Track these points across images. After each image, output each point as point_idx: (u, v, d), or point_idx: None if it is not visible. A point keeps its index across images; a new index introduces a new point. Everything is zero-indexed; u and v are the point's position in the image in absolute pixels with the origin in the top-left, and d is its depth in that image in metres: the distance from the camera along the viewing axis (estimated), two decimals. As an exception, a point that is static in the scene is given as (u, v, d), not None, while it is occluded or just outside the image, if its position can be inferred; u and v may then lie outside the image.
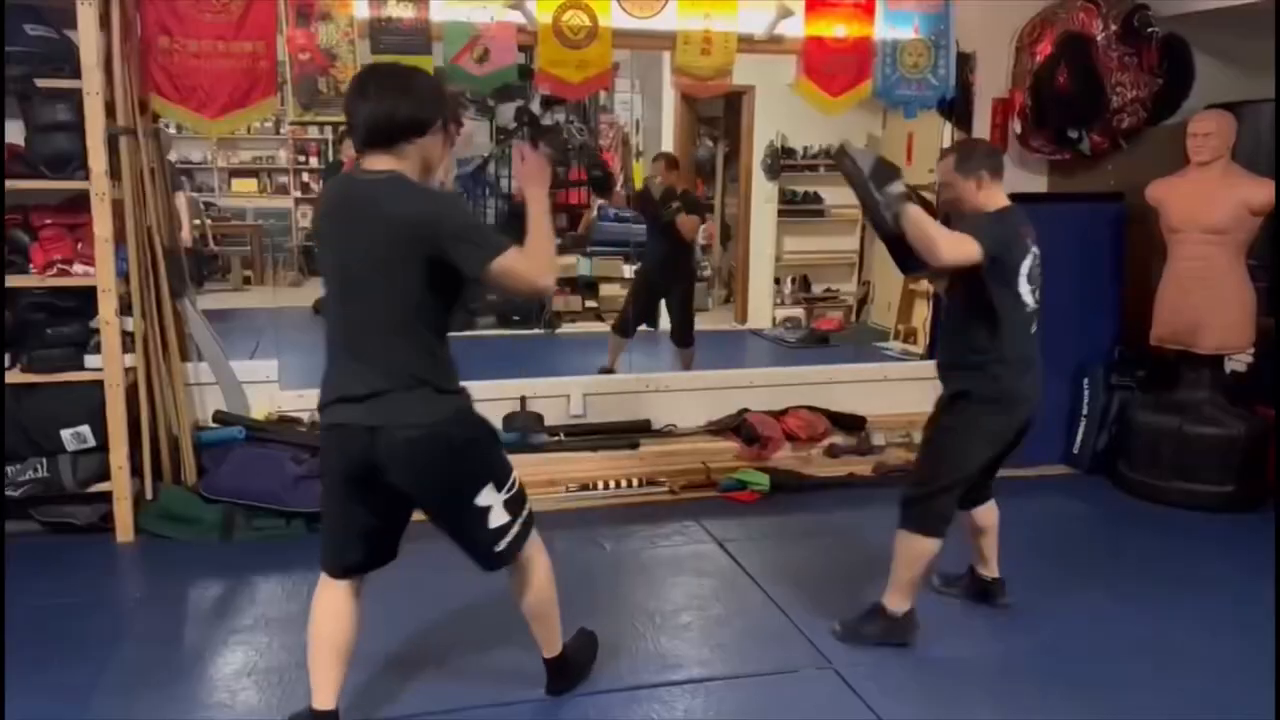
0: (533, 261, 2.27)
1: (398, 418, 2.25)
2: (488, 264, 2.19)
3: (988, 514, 3.26)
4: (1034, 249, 3.00)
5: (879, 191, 2.84)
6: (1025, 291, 2.99)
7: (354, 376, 2.29)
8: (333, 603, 2.44)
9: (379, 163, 2.27)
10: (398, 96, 2.26)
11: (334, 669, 2.44)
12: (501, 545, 2.43)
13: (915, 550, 2.98)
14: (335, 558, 2.44)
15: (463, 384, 2.40)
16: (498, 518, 2.40)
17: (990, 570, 3.34)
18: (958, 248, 2.81)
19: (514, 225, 2.73)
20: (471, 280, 2.25)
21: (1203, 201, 4.25)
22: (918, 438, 4.82)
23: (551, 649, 2.71)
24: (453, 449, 2.32)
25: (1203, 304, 4.28)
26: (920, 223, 2.79)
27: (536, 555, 2.57)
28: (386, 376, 2.27)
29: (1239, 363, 4.62)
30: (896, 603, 3.04)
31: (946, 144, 6.10)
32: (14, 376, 3.72)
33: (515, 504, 2.46)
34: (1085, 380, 4.79)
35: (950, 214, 3.08)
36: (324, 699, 2.44)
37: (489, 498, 2.38)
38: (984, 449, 3.01)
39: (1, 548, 3.50)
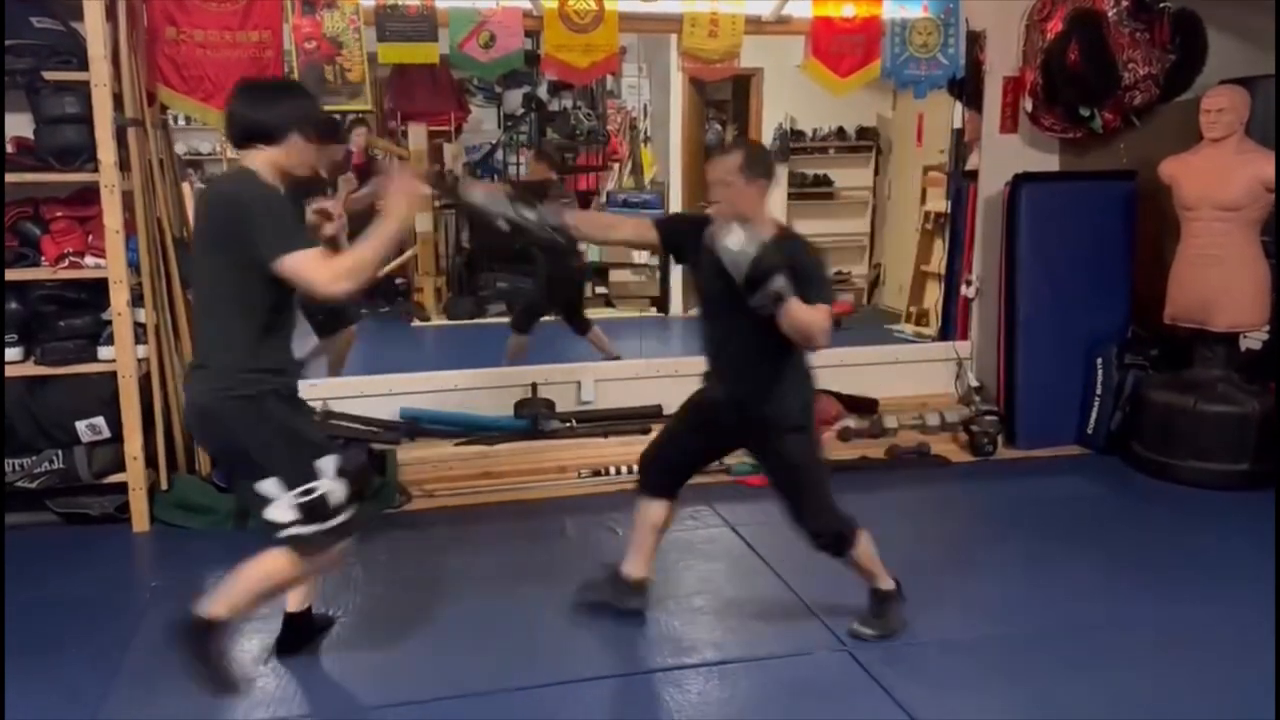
0: (329, 268, 2.40)
1: (191, 387, 2.59)
2: (276, 259, 2.36)
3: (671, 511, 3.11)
4: None
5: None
6: None
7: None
8: None
9: (240, 159, 2.57)
10: (250, 106, 2.55)
11: None
12: (281, 535, 2.53)
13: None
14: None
15: (275, 369, 2.54)
16: (277, 513, 2.50)
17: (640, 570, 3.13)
18: (826, 325, 2.66)
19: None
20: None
21: (1216, 178, 4.21)
22: (930, 420, 4.86)
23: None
24: (218, 421, 2.52)
25: (1216, 282, 4.25)
26: (804, 314, 2.59)
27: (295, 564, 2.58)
28: (197, 352, 2.70)
29: (1253, 340, 4.59)
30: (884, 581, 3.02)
31: (957, 123, 6.09)
32: (27, 369, 3.74)
33: (309, 511, 2.51)
34: (1098, 359, 4.76)
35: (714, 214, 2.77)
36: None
37: (271, 489, 2.50)
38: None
39: (1, 545, 3.53)
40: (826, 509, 2.89)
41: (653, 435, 4.58)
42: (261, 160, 2.52)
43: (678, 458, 3.07)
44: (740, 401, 2.85)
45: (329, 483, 2.54)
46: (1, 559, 3.33)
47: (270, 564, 2.58)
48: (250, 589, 2.60)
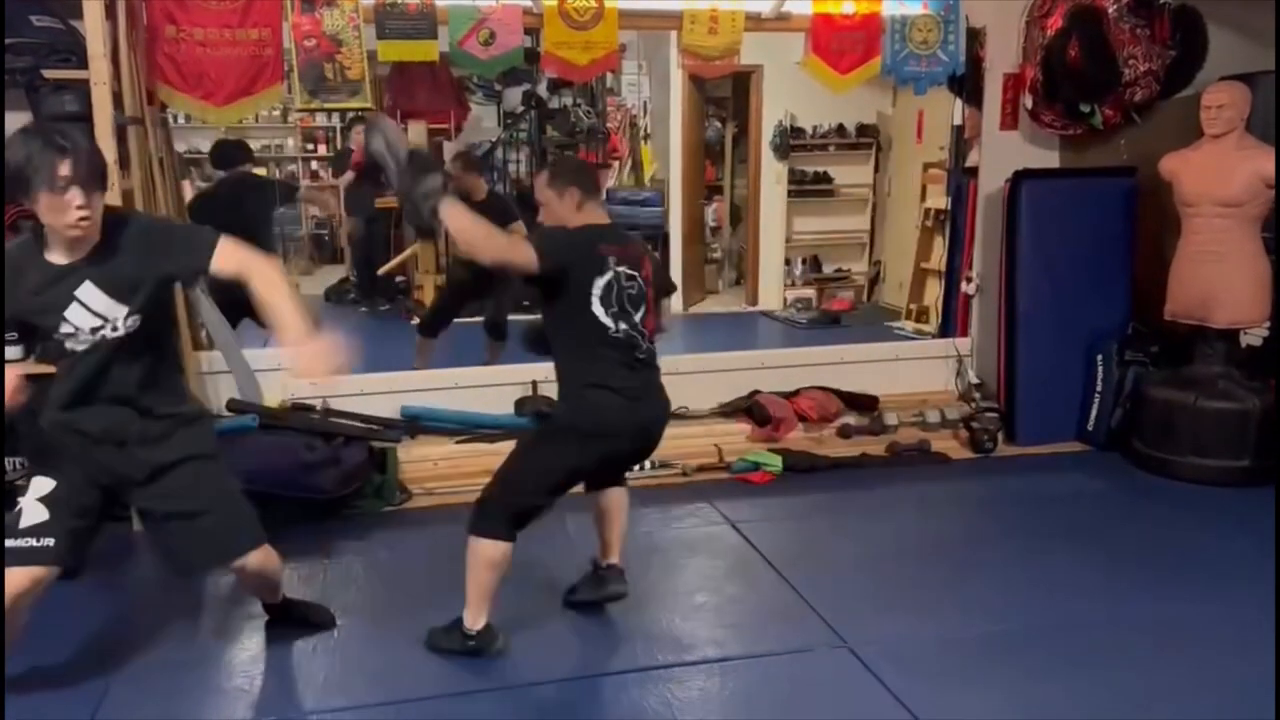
0: None
1: None
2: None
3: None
4: (618, 269, 2.77)
5: (415, 181, 2.64)
6: (600, 313, 2.74)
7: None
8: None
9: None
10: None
11: None
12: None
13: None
14: None
15: None
16: None
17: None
18: (506, 250, 2.67)
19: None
20: None
21: (1217, 174, 4.20)
22: (931, 417, 4.86)
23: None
24: None
25: (1217, 278, 4.24)
26: (460, 217, 2.64)
27: None
28: None
29: (1254, 337, 4.59)
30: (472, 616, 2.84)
31: (957, 120, 6.08)
32: (27, 367, 3.73)
33: None
34: (1098, 356, 4.76)
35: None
36: None
37: None
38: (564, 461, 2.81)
39: (1, 543, 3.52)
40: (503, 495, 2.79)
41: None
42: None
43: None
44: None
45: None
46: (1, 557, 3.32)
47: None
48: None
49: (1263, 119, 4.31)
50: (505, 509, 2.76)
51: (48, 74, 3.67)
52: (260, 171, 10.42)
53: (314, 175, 10.44)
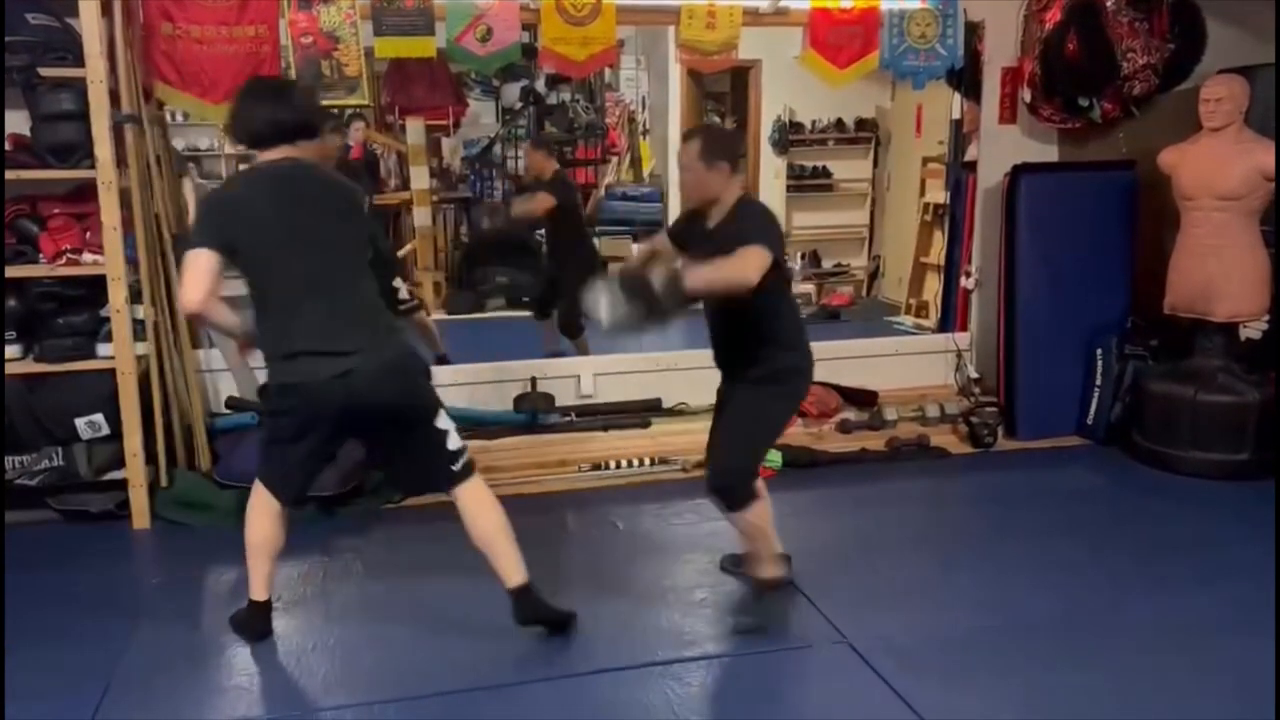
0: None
1: (376, 352, 2.74)
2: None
3: None
4: None
5: (665, 301, 2.66)
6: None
7: None
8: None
9: (275, 155, 2.72)
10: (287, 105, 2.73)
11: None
12: (459, 465, 2.87)
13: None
14: None
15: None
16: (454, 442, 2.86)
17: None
18: (748, 270, 2.65)
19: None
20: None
21: (1215, 168, 4.20)
22: (930, 412, 4.86)
23: (514, 578, 2.87)
24: (409, 375, 2.84)
25: (1216, 271, 4.24)
26: (709, 278, 2.68)
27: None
28: (349, 323, 2.75)
29: (1253, 330, 4.58)
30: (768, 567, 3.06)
31: (956, 114, 6.08)
32: (26, 366, 3.74)
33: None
34: (1098, 350, 4.75)
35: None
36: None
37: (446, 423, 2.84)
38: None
39: (1, 542, 3.53)
40: (740, 461, 2.96)
41: (651, 428, 4.64)
42: (312, 153, 2.76)
43: None
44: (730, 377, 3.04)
45: None
46: (1, 556, 3.33)
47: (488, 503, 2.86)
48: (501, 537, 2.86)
49: (1261, 112, 4.31)
50: (754, 474, 2.97)
51: (44, 72, 3.67)
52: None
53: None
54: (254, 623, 2.96)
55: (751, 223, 2.80)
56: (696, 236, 2.94)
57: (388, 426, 2.79)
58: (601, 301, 2.69)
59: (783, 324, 2.96)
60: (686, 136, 2.97)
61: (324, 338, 2.62)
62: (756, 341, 2.93)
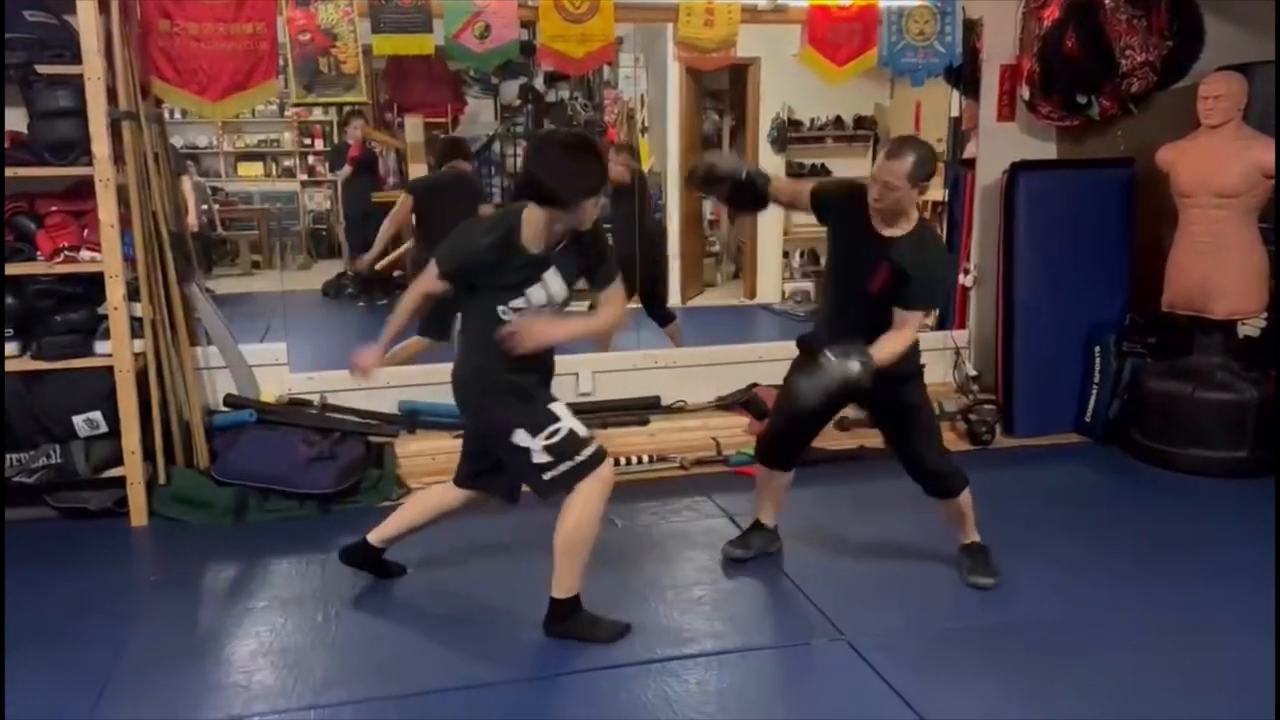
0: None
1: None
2: None
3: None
4: None
5: (855, 367, 2.88)
6: None
7: None
8: None
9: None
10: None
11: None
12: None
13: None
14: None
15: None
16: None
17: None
18: (918, 326, 3.08)
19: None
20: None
21: (1214, 165, 4.20)
22: (928, 409, 4.85)
23: (557, 590, 2.91)
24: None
25: (1214, 269, 4.24)
26: (889, 353, 2.94)
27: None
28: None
29: (1251, 327, 4.58)
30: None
31: (955, 111, 6.07)
32: (24, 364, 3.73)
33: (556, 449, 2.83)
34: (1096, 347, 4.76)
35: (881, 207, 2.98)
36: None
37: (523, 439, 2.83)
38: None
39: (1, 541, 3.53)
40: (945, 457, 3.27)
41: (650, 426, 4.63)
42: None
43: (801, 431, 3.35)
44: None
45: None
46: (1, 555, 3.33)
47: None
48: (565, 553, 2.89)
49: (1259, 110, 4.31)
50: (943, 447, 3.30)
51: (41, 69, 3.66)
52: (258, 167, 10.45)
53: (311, 170, 10.41)
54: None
55: (932, 271, 3.00)
56: (858, 229, 3.02)
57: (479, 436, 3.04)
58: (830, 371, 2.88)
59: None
60: (894, 152, 2.92)
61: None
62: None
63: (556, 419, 2.84)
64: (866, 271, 2.99)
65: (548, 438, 2.81)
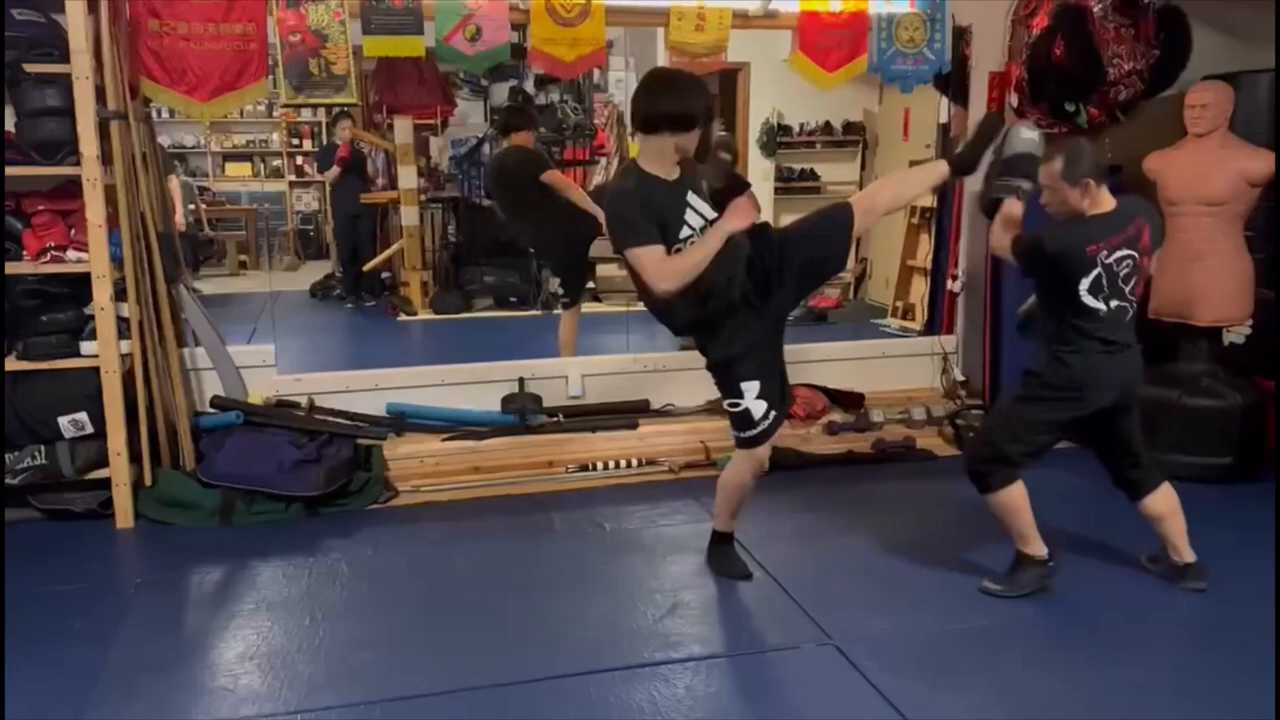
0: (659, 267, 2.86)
1: None
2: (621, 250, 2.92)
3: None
4: (1105, 260, 3.06)
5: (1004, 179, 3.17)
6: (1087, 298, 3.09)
7: None
8: None
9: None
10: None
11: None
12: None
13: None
14: None
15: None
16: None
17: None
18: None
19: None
20: None
21: (1200, 173, 4.23)
22: (916, 415, 4.87)
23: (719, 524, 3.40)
24: None
25: (1200, 276, 4.27)
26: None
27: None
28: None
29: (1237, 334, 4.61)
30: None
31: (943, 118, 6.10)
32: (10, 364, 3.71)
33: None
34: (1083, 354, 4.77)
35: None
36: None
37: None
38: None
39: (1, 539, 3.50)
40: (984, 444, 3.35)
41: (639, 429, 4.63)
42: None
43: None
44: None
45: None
46: (2, 554, 3.32)
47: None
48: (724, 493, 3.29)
49: (1245, 118, 4.34)
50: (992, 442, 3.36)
51: (29, 68, 3.65)
52: (246, 168, 10.41)
53: (299, 170, 10.38)
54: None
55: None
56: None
57: None
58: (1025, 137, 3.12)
59: None
60: (1049, 154, 3.16)
61: None
62: None
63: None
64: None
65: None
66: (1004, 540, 3.60)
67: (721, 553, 3.41)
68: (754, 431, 3.12)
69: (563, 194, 5.30)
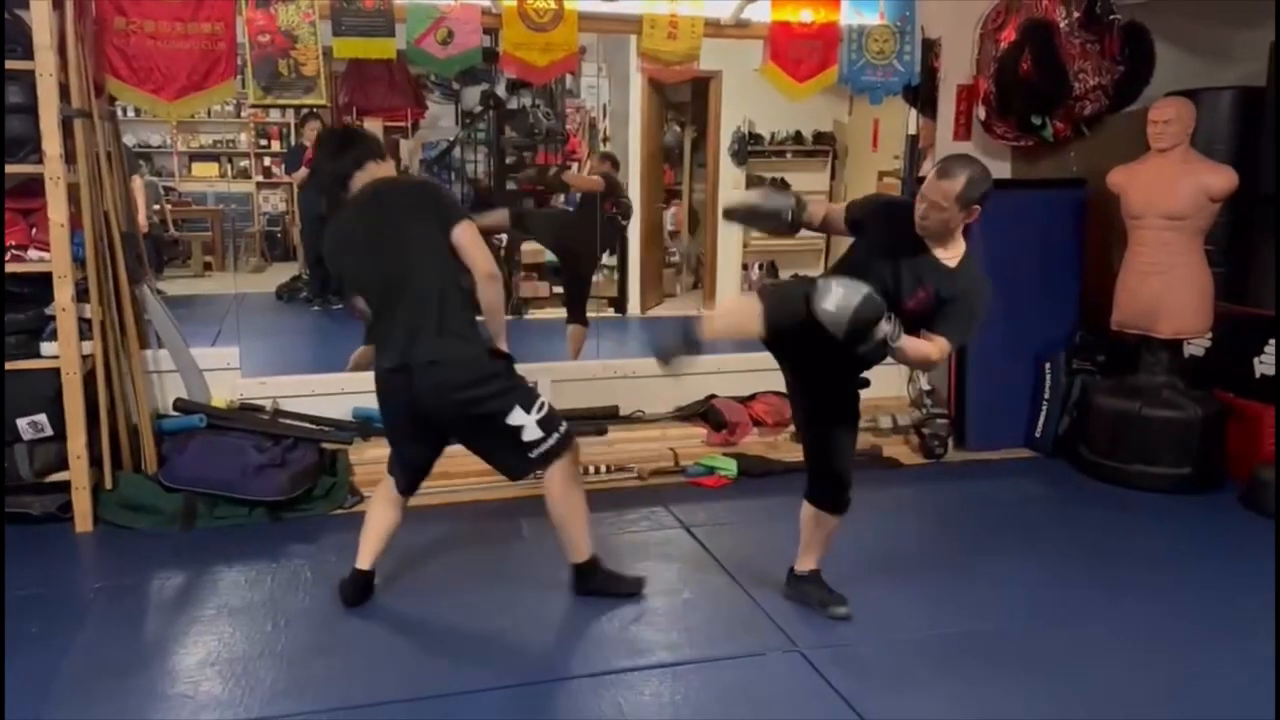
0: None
1: None
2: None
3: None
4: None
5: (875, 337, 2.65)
6: None
7: None
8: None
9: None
10: None
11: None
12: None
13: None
14: None
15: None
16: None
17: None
18: (942, 355, 2.81)
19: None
20: None
21: (1162, 188, 4.30)
22: (883, 423, 4.90)
23: (574, 556, 3.22)
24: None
25: (1162, 289, 4.34)
26: (912, 349, 2.73)
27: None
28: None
29: (1197, 347, 4.69)
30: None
31: (912, 130, 6.14)
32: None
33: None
34: (1047, 364, 4.84)
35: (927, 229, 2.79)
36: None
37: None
38: None
39: (1, 537, 3.44)
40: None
41: (608, 436, 4.63)
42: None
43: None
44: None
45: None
46: (1, 554, 3.25)
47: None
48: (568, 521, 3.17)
49: (1206, 134, 4.42)
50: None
51: (-9, 64, 3.58)
52: (213, 168, 10.29)
53: (266, 171, 10.29)
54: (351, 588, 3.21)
55: (968, 305, 2.78)
56: (903, 245, 2.81)
57: (456, 426, 3.10)
58: (835, 294, 2.61)
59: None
60: (944, 171, 2.72)
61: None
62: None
63: (539, 393, 3.07)
64: (905, 289, 2.79)
65: (539, 411, 3.00)
66: (970, 549, 3.65)
67: (608, 575, 3.31)
68: (564, 424, 3.17)
69: None
